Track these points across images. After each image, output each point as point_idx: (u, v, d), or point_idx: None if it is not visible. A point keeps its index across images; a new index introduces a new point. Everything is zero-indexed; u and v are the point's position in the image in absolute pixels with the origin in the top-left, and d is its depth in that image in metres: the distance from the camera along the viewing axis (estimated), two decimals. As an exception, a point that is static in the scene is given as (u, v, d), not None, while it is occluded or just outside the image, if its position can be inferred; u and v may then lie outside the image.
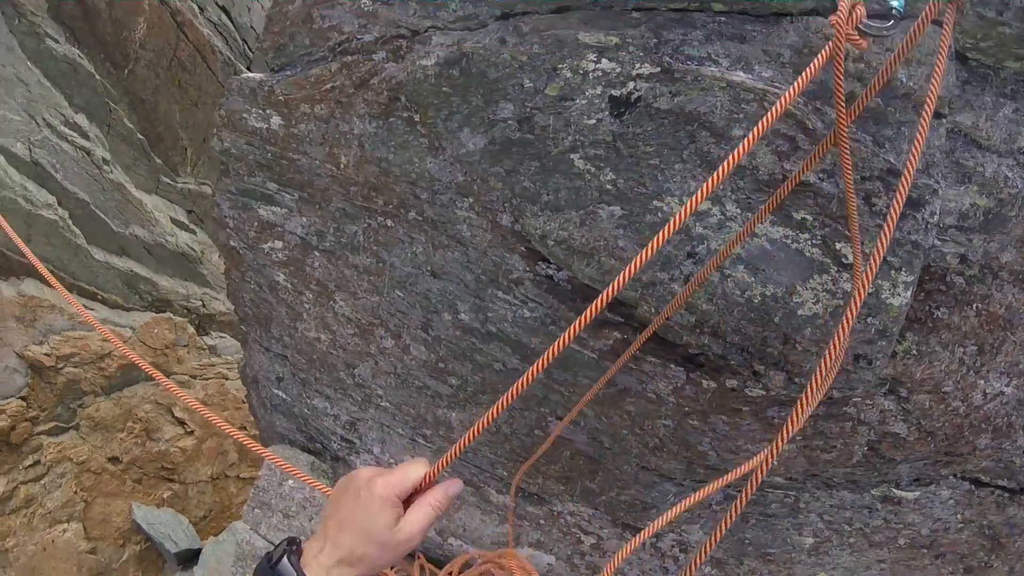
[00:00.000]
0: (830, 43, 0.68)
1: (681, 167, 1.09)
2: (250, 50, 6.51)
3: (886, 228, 0.70)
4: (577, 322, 0.69)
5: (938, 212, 1.05)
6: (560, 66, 1.14)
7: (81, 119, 5.05)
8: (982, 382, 1.35)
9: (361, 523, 0.76)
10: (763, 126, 0.60)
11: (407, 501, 0.82)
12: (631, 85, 1.10)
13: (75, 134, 4.95)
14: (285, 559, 0.76)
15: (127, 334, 5.55)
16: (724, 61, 1.06)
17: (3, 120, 4.41)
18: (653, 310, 1.18)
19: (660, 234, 0.61)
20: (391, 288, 1.55)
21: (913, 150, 0.76)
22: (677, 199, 1.11)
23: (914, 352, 1.29)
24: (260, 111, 1.53)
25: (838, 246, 1.06)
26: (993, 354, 1.33)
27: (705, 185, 0.60)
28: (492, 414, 0.76)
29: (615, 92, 1.11)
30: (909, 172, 0.75)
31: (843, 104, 0.77)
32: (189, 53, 5.82)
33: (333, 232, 1.58)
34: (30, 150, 4.55)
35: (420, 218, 1.42)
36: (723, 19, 1.08)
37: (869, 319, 1.09)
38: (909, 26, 0.84)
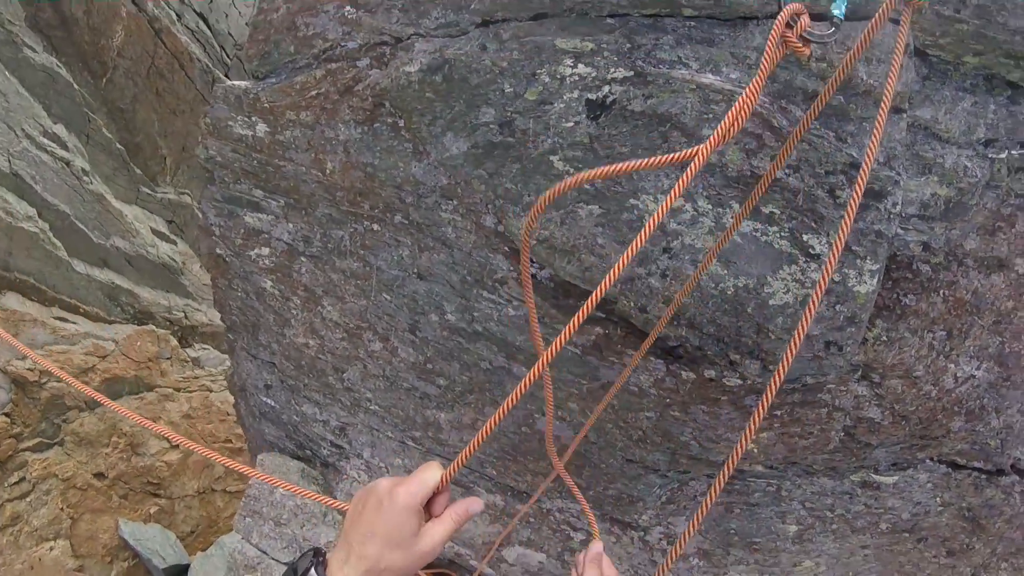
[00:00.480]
0: (772, 49, 0.72)
1: (656, 166, 1.13)
2: (228, 57, 6.49)
3: (846, 217, 0.74)
4: (572, 321, 0.73)
5: (900, 202, 1.11)
6: (539, 71, 1.18)
7: (60, 129, 5.00)
8: (952, 366, 1.40)
9: (386, 534, 0.78)
10: (723, 127, 0.64)
11: (426, 507, 0.84)
12: (606, 89, 1.14)
13: (54, 145, 4.90)
14: (313, 571, 0.77)
15: (109, 347, 5.50)
16: (694, 64, 1.11)
17: (-19, 132, 4.37)
18: (632, 304, 1.22)
19: (641, 234, 0.65)
20: (378, 291, 1.58)
21: (871, 143, 0.81)
22: (652, 196, 1.16)
23: (884, 339, 1.34)
24: (245, 118, 1.55)
25: (805, 238, 1.11)
26: (962, 338, 1.38)
27: (678, 184, 0.64)
28: (502, 412, 0.79)
29: (591, 95, 1.15)
30: (867, 165, 0.80)
31: (762, 82, 0.81)
32: (167, 61, 5.79)
33: (319, 237, 1.60)
34: (9, 161, 4.51)
35: (406, 221, 1.45)
36: (692, 24, 1.13)
37: (838, 306, 1.14)
38: (865, 26, 0.89)
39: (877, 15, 0.86)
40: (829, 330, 1.17)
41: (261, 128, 1.54)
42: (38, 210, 4.81)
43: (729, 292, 1.16)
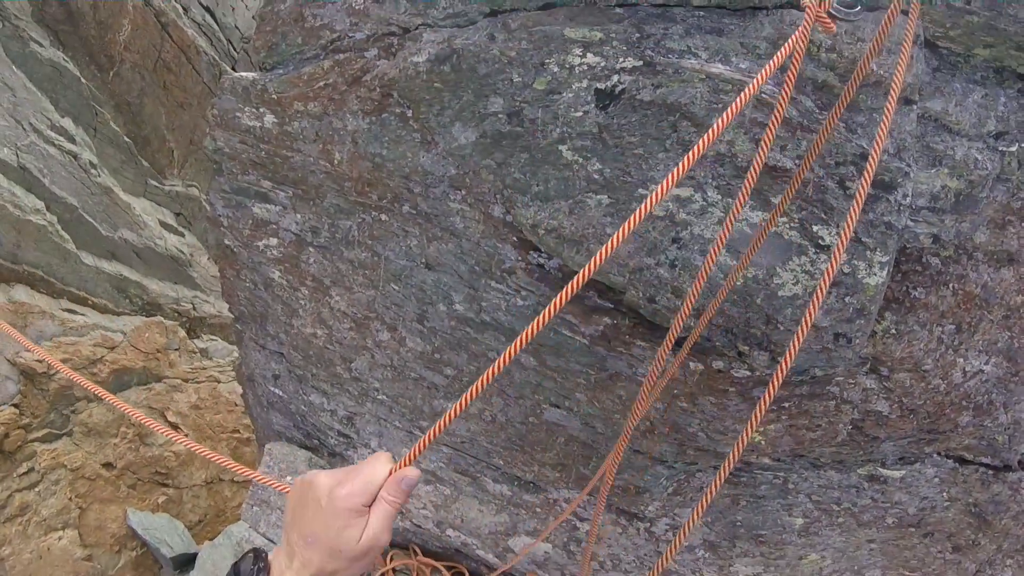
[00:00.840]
0: (802, 23, 0.73)
1: (664, 156, 1.13)
2: (235, 50, 6.50)
3: (854, 207, 0.74)
4: (551, 305, 0.70)
5: (910, 194, 1.10)
6: (547, 61, 1.18)
7: (67, 123, 5.03)
8: (961, 360, 1.40)
9: (327, 539, 0.72)
10: (742, 101, 0.64)
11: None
12: (615, 78, 1.14)
13: (62, 138, 4.93)
14: None
15: (118, 339, 5.54)
16: (703, 54, 1.10)
17: (-10, 126, 4.40)
18: (641, 294, 1.22)
19: (634, 215, 0.65)
20: (386, 281, 1.58)
21: (879, 134, 0.81)
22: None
23: (893, 331, 1.34)
24: (253, 110, 1.55)
25: (815, 229, 1.10)
26: (971, 333, 1.38)
27: (681, 164, 0.64)
28: (461, 404, 0.74)
29: (600, 85, 1.15)
30: (875, 154, 0.79)
31: (793, 79, 0.83)
32: (174, 54, 5.80)
33: (327, 228, 1.61)
34: (17, 155, 4.53)
35: (414, 211, 1.46)
36: (702, 13, 1.12)
37: (847, 298, 1.14)
38: (880, 17, 0.89)
39: (891, 5, 0.86)
40: (838, 322, 1.17)
41: (269, 119, 1.54)
42: (46, 203, 4.84)
43: (738, 283, 1.16)
